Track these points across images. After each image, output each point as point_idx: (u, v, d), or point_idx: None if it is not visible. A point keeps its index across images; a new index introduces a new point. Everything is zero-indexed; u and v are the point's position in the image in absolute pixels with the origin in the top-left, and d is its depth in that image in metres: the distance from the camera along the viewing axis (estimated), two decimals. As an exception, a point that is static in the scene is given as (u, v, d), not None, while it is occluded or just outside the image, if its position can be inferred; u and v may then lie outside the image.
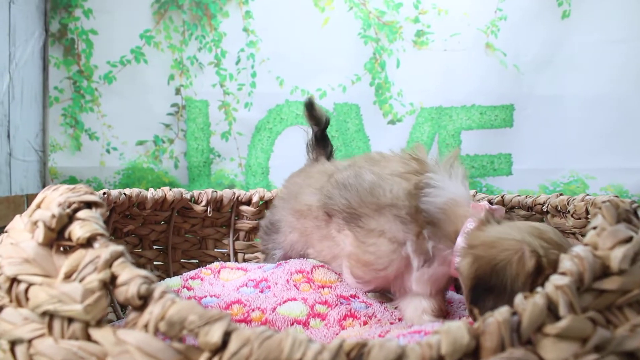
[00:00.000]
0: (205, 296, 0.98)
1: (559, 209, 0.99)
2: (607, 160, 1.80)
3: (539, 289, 0.47)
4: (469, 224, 0.81)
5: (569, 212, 0.95)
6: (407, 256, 0.86)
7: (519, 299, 0.46)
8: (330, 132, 1.86)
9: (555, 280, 0.48)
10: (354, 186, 0.90)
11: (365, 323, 0.89)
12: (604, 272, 0.50)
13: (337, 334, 0.87)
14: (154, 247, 1.26)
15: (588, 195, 0.91)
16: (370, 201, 0.88)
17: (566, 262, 0.50)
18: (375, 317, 0.91)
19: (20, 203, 1.68)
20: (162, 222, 1.26)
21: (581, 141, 1.81)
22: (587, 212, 0.88)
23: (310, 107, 1.27)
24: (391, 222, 0.86)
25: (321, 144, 1.28)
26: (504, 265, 0.71)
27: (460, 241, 0.81)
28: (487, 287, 0.73)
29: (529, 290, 0.61)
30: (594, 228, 0.56)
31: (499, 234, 0.76)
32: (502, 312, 0.44)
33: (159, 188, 1.20)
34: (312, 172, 1.13)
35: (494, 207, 0.86)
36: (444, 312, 0.93)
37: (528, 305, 0.45)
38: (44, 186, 1.81)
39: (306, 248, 1.10)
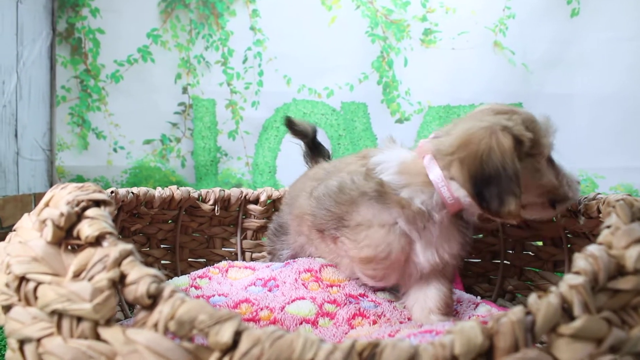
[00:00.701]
0: (214, 295, 0.97)
1: (569, 208, 0.98)
2: (617, 159, 1.78)
3: (552, 288, 0.46)
4: (427, 159, 0.84)
5: (580, 211, 0.94)
6: (403, 232, 0.85)
7: (532, 298, 0.46)
8: (338, 130, 1.87)
9: (570, 279, 0.47)
10: (326, 195, 0.92)
11: (374, 322, 0.88)
12: (619, 271, 0.50)
13: (346, 333, 0.86)
14: (162, 246, 1.26)
15: (600, 194, 0.90)
16: (343, 199, 0.89)
17: (580, 262, 0.49)
18: (384, 316, 0.91)
19: (28, 202, 1.69)
20: (170, 221, 1.26)
21: (590, 140, 1.80)
22: (598, 211, 0.87)
23: (290, 125, 1.29)
24: (370, 207, 0.86)
25: (315, 152, 1.29)
26: (488, 153, 0.76)
27: (434, 175, 0.82)
28: (485, 180, 0.76)
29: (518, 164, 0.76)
30: (608, 227, 0.55)
31: (464, 132, 0.81)
32: (516, 312, 0.44)
33: (167, 187, 1.20)
34: (307, 176, 1.15)
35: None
36: (451, 309, 0.92)
37: (542, 305, 0.44)
38: (51, 185, 1.81)
39: (314, 250, 1.10)
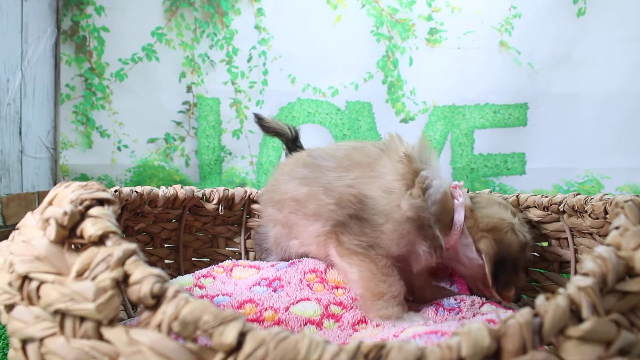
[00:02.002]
0: (218, 295, 0.97)
1: (576, 208, 0.97)
2: (623, 160, 1.77)
3: (561, 290, 0.46)
4: (458, 213, 0.94)
5: (586, 211, 0.93)
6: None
7: (540, 299, 0.45)
8: (342, 130, 1.86)
9: (578, 281, 0.46)
10: (363, 210, 0.92)
11: (377, 325, 0.88)
12: (628, 273, 0.49)
13: (350, 336, 0.85)
14: (165, 245, 1.26)
15: (606, 194, 0.89)
16: (386, 212, 0.90)
17: (589, 263, 0.48)
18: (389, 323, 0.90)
19: (32, 200, 1.69)
20: (174, 220, 1.25)
21: (596, 140, 1.79)
22: (605, 211, 0.86)
23: (259, 121, 1.33)
24: (408, 235, 0.90)
25: (294, 152, 1.27)
26: (510, 244, 0.92)
27: (458, 229, 0.94)
28: (501, 263, 0.91)
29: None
30: (617, 228, 0.54)
31: (491, 217, 0.94)
32: (524, 313, 0.43)
33: (171, 186, 1.20)
34: (283, 164, 1.20)
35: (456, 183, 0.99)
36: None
37: (550, 306, 0.44)
38: (55, 183, 1.81)
39: (290, 240, 1.11)
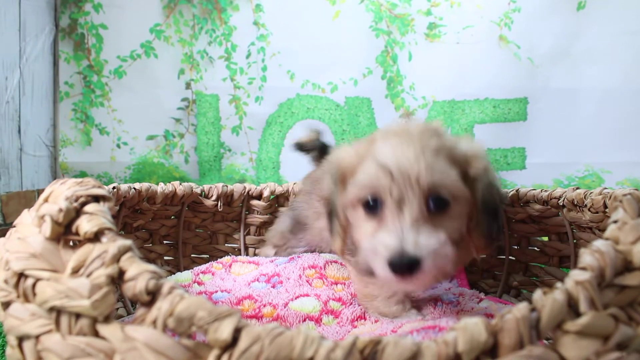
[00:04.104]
0: (216, 291, 0.97)
1: (575, 202, 0.97)
2: (623, 154, 1.77)
3: (558, 284, 0.46)
4: None
5: (586, 206, 0.93)
6: None
7: (538, 294, 0.45)
8: (342, 126, 1.86)
9: (576, 275, 0.46)
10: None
11: (376, 321, 0.88)
12: (626, 267, 0.49)
13: (349, 332, 0.85)
14: (165, 242, 1.26)
15: (606, 188, 0.89)
16: None
17: (587, 257, 0.48)
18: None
19: (32, 198, 1.69)
20: (173, 217, 1.25)
21: (596, 134, 1.79)
22: (604, 206, 0.86)
23: (301, 149, 1.29)
24: None
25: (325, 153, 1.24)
26: None
27: None
28: None
29: None
30: (615, 222, 0.54)
31: None
32: (521, 308, 0.43)
33: (169, 182, 1.19)
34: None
35: None
36: None
37: (547, 301, 0.44)
38: (55, 181, 1.81)
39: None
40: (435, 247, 0.66)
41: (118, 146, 1.87)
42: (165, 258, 1.25)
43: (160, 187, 1.15)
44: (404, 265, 0.64)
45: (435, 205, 0.69)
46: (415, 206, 0.68)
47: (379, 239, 0.68)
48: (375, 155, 0.73)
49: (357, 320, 0.88)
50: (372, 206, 0.72)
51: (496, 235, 0.78)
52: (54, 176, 1.85)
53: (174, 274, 1.11)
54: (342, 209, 0.79)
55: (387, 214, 0.69)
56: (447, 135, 0.79)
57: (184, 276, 1.06)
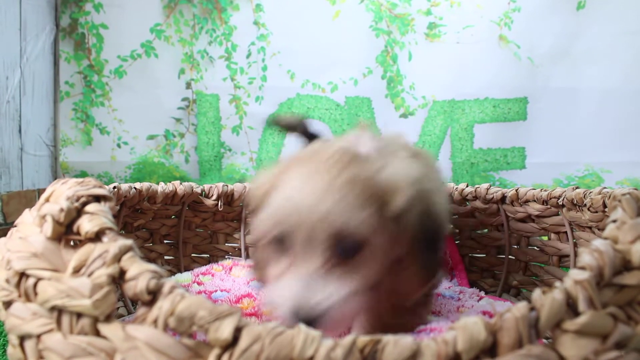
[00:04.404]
0: (216, 290, 0.97)
1: (575, 202, 0.97)
2: (623, 154, 1.77)
3: (557, 283, 0.46)
4: None
5: (585, 205, 0.93)
6: None
7: (537, 293, 0.45)
8: (342, 125, 1.86)
9: (575, 274, 0.46)
10: None
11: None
12: (625, 266, 0.49)
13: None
14: (165, 241, 1.26)
15: (605, 188, 0.89)
16: None
17: (586, 257, 0.48)
18: None
19: (32, 198, 1.69)
20: (173, 217, 1.25)
21: (596, 134, 1.79)
22: (604, 205, 0.86)
23: (277, 124, 1.25)
24: None
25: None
26: None
27: None
28: None
29: None
30: (614, 221, 0.54)
31: None
32: (520, 307, 0.43)
33: (170, 182, 1.20)
34: None
35: None
36: None
37: (546, 300, 0.44)
38: (55, 181, 1.82)
39: None
40: (335, 301, 0.58)
41: (118, 146, 1.87)
42: (166, 257, 1.25)
43: (161, 187, 1.16)
44: (302, 321, 0.55)
45: (344, 250, 0.61)
46: (319, 252, 0.60)
47: (280, 289, 0.61)
48: (282, 187, 0.65)
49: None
50: (282, 243, 0.63)
51: (437, 268, 0.70)
52: (55, 176, 1.85)
53: (175, 273, 1.11)
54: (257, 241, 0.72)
55: (293, 257, 0.62)
56: (372, 159, 0.67)
57: (184, 277, 1.07)
